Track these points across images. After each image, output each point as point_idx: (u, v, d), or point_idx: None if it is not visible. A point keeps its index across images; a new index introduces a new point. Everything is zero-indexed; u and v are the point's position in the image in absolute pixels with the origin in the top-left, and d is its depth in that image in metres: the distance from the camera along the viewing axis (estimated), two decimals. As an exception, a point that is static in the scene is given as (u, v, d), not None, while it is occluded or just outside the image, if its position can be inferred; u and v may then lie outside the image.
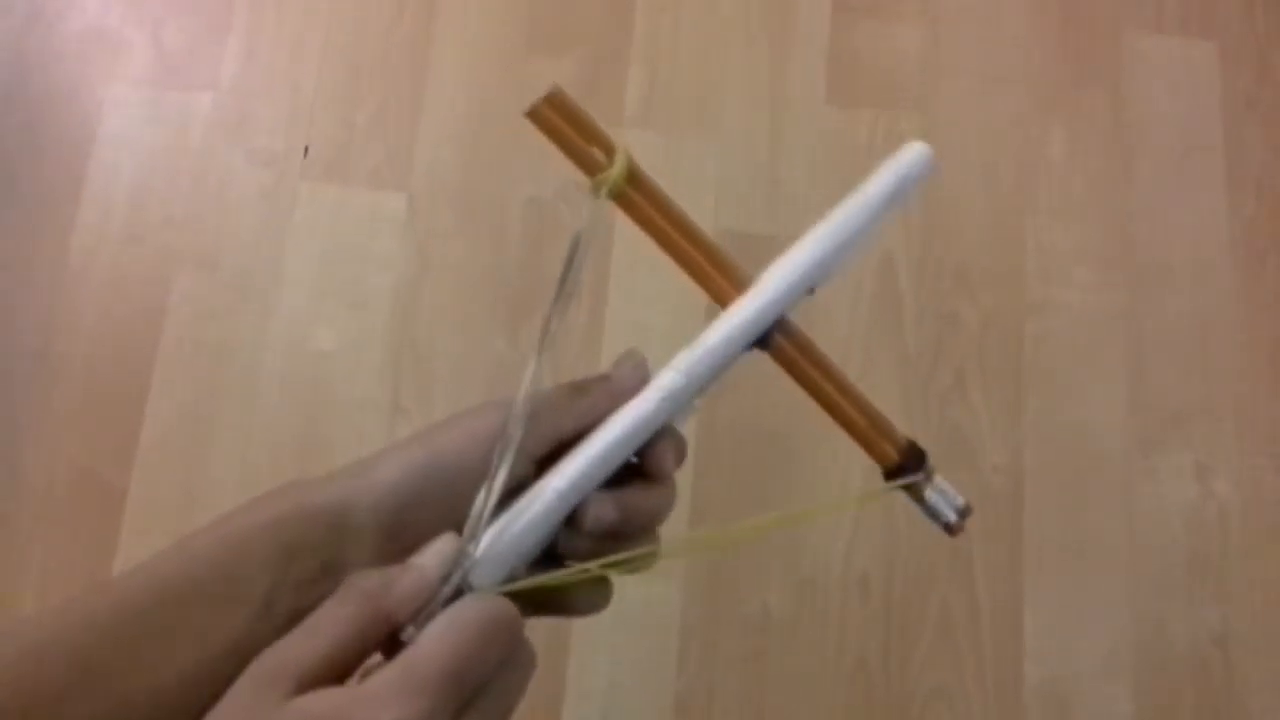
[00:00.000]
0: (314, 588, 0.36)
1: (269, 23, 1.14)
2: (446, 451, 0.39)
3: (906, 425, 1.06)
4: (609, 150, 0.42)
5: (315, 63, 1.13)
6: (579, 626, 0.96)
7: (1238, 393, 1.08)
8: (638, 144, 1.11)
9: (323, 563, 0.37)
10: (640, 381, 0.42)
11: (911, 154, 0.47)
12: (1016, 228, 1.12)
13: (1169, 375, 1.08)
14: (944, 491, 0.45)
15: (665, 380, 0.42)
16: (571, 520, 0.40)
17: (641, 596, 0.98)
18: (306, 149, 1.10)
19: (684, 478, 1.01)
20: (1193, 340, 1.09)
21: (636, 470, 0.43)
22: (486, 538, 0.37)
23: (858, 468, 1.02)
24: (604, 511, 0.40)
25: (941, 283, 1.09)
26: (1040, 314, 1.09)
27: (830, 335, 1.06)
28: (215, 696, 0.32)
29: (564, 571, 0.39)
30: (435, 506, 0.38)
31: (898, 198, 0.46)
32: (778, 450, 1.03)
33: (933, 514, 0.45)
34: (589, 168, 0.42)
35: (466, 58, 1.14)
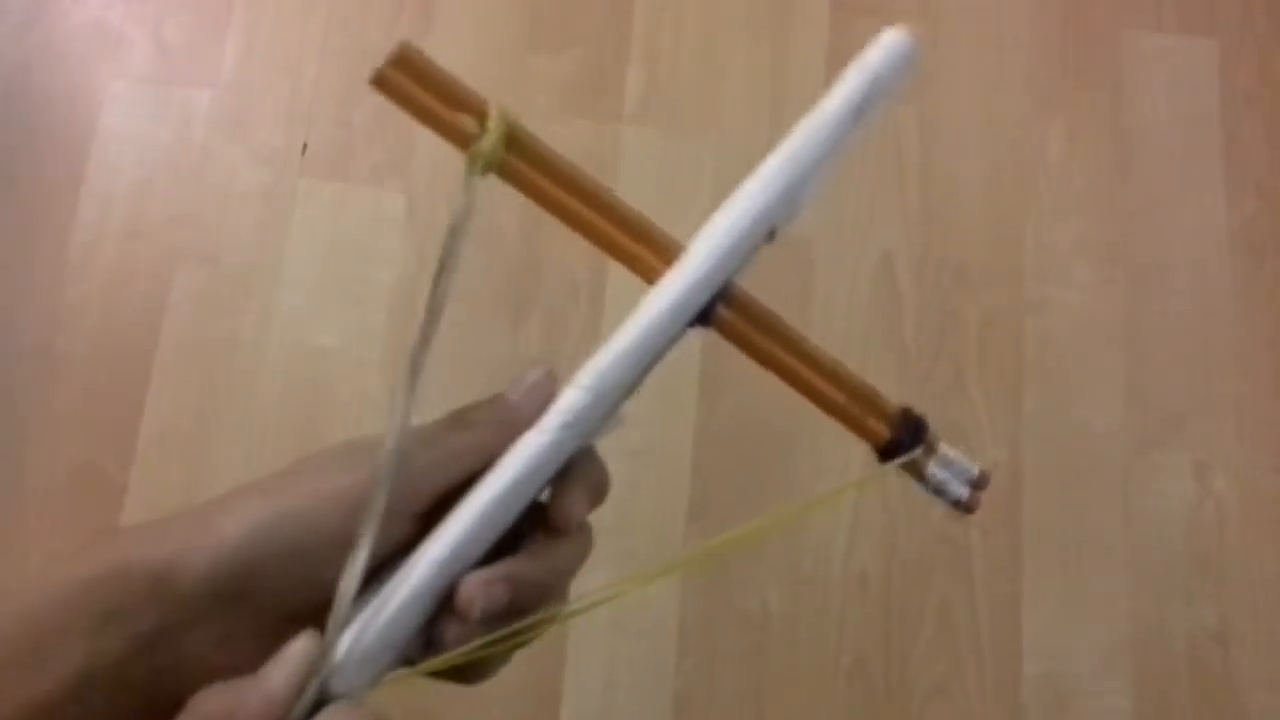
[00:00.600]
0: (137, 662, 0.31)
1: (268, 20, 1.14)
2: (299, 510, 0.32)
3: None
4: (480, 114, 0.33)
5: (315, 60, 1.13)
6: (576, 626, 0.96)
7: (1237, 391, 1.08)
8: (637, 142, 1.11)
9: (145, 632, 0.31)
10: (544, 405, 0.34)
11: (882, 49, 0.38)
12: (1016, 226, 1.12)
13: (1168, 373, 1.08)
14: (951, 463, 0.38)
15: (565, 403, 0.34)
16: (452, 605, 0.33)
17: (639, 595, 0.98)
18: (305, 146, 1.10)
19: (681, 472, 1.02)
20: (1192, 339, 1.09)
21: (544, 525, 0.35)
22: (350, 634, 0.32)
23: (859, 443, 1.02)
24: (491, 595, 0.33)
25: (941, 281, 1.09)
26: (1039, 312, 1.09)
27: (828, 333, 1.06)
28: None
29: (441, 658, 0.33)
30: (284, 570, 0.32)
31: (869, 102, 0.37)
32: (777, 438, 1.03)
33: (939, 491, 0.38)
34: (458, 139, 0.33)
35: (466, 55, 1.13)
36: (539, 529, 0.35)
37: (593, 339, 1.05)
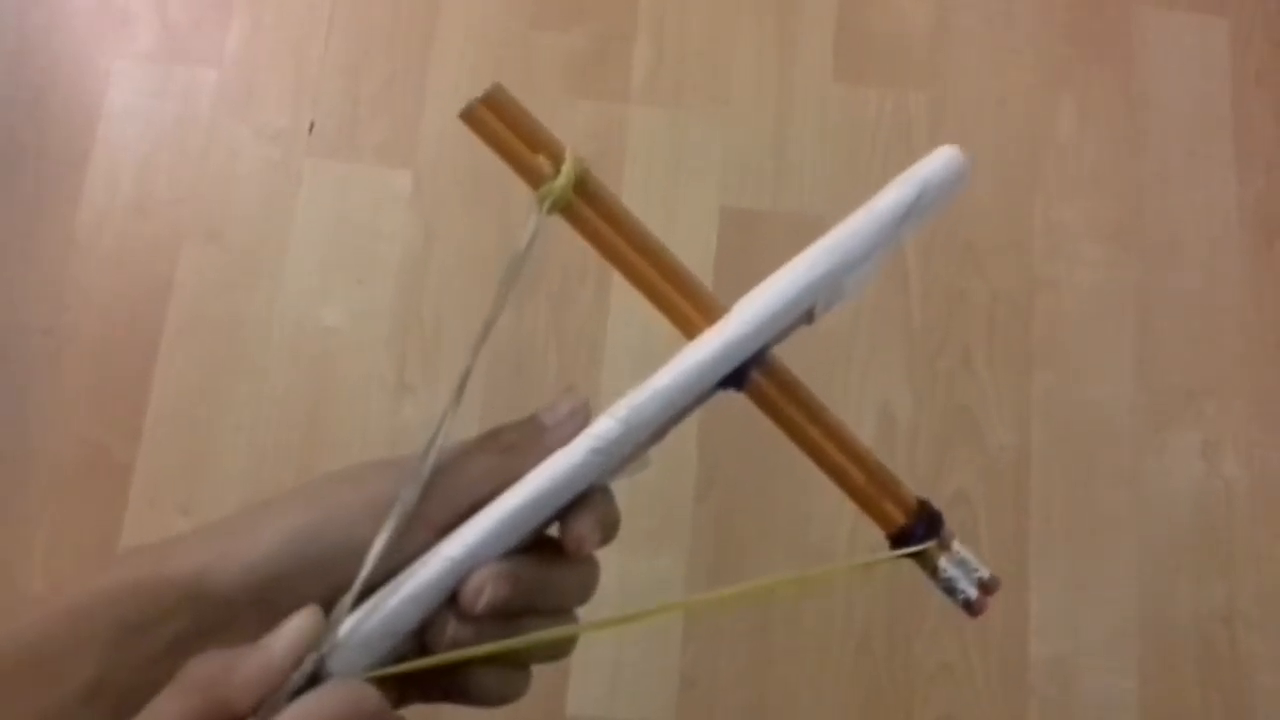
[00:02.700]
0: (161, 665, 0.30)
1: (274, -2, 1.14)
2: (336, 520, 0.33)
3: (913, 401, 1.06)
4: (556, 158, 0.35)
5: (320, 38, 1.12)
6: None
7: (1246, 370, 1.07)
8: (644, 120, 1.11)
9: (175, 636, 0.31)
10: (575, 434, 0.35)
11: (936, 160, 0.39)
12: (1025, 204, 1.11)
13: (1177, 352, 1.08)
14: (963, 562, 0.38)
15: (599, 428, 0.35)
16: (454, 606, 0.33)
17: (647, 573, 0.98)
18: (311, 125, 1.10)
19: (688, 457, 1.02)
20: (1201, 317, 1.09)
21: (554, 545, 0.36)
22: (354, 617, 0.32)
23: (867, 423, 1.02)
24: (497, 587, 0.33)
25: (949, 259, 1.09)
26: (1049, 290, 1.09)
27: (835, 312, 1.05)
28: None
29: (441, 655, 0.33)
30: (318, 578, 0.32)
31: (916, 210, 0.38)
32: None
33: (948, 589, 0.38)
34: (532, 178, 0.35)
35: (472, 33, 1.13)
36: (547, 549, 0.36)
37: (599, 318, 1.05)
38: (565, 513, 0.35)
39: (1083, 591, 1.01)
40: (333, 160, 1.09)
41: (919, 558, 0.38)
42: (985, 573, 0.38)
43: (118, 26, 1.12)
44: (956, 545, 0.38)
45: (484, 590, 0.33)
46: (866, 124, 1.12)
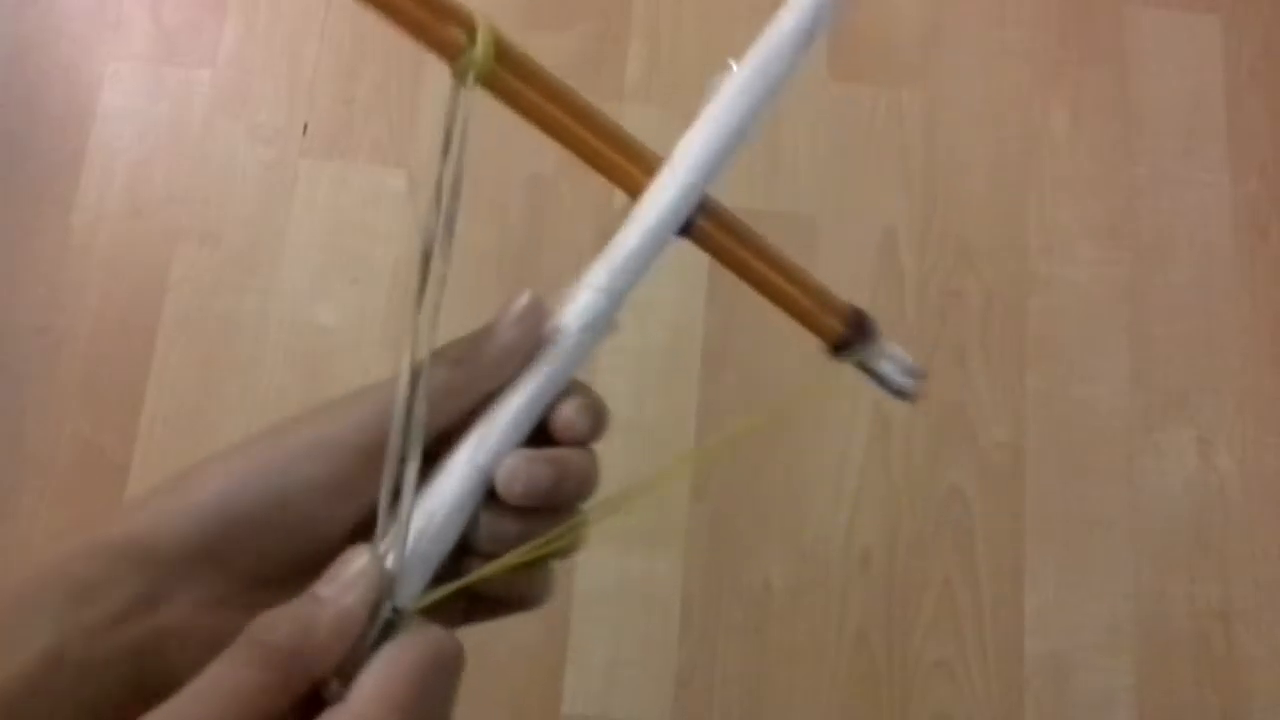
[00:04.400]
0: (121, 629, 0.29)
1: (268, -2, 1.14)
2: (274, 463, 0.32)
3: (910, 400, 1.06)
4: (468, 26, 0.33)
5: (315, 39, 1.13)
6: (580, 599, 0.96)
7: (1240, 368, 1.08)
8: (640, 119, 1.11)
9: (130, 598, 0.30)
10: (535, 333, 0.34)
11: None
12: (1019, 203, 1.11)
13: (1171, 351, 1.08)
14: (893, 357, 0.40)
15: (584, 304, 0.34)
16: (492, 495, 0.33)
17: (643, 569, 0.98)
18: (305, 126, 1.10)
19: (684, 439, 1.02)
20: (1195, 316, 1.09)
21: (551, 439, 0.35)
22: (394, 544, 0.30)
23: (862, 423, 1.02)
24: (538, 472, 0.33)
25: (944, 258, 1.09)
26: (1043, 289, 1.09)
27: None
28: None
29: (496, 563, 0.32)
30: (266, 526, 0.31)
31: (818, 24, 0.38)
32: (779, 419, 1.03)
33: (884, 383, 0.40)
34: (447, 51, 0.32)
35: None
36: (547, 444, 0.34)
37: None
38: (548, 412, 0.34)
39: (1078, 589, 1.02)
40: (327, 160, 1.09)
41: (859, 361, 0.40)
42: (911, 361, 0.40)
43: (112, 29, 1.12)
44: (886, 343, 0.40)
45: (519, 476, 0.32)
46: (861, 123, 1.13)
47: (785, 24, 0.38)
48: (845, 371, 0.40)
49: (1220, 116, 1.15)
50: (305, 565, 0.30)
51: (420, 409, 0.31)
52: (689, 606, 0.99)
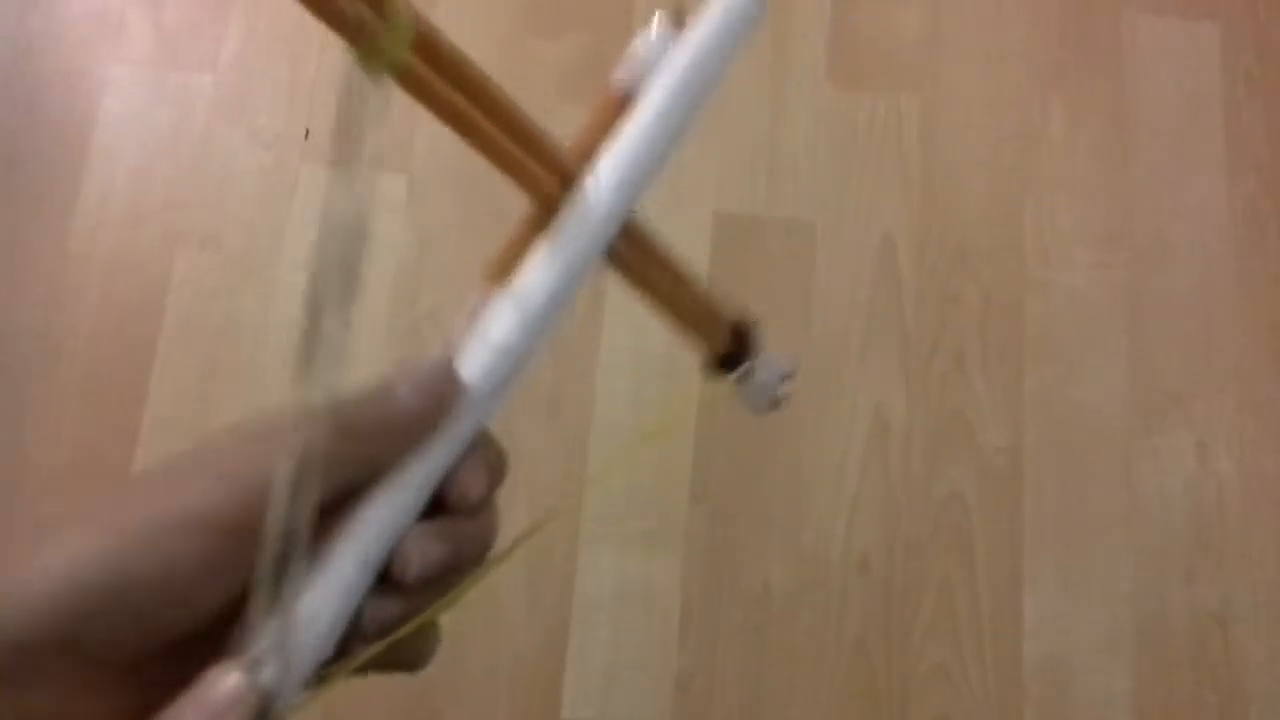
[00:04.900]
0: None
1: (269, 3, 1.14)
2: (129, 544, 0.27)
3: (907, 404, 1.07)
4: (381, 7, 0.26)
5: (316, 44, 1.13)
6: (579, 603, 0.96)
7: (1238, 371, 1.08)
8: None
9: None
10: (441, 406, 0.31)
11: None
12: (1017, 207, 1.12)
13: (1169, 354, 1.08)
14: (769, 364, 0.38)
15: (492, 366, 0.31)
16: (384, 576, 0.30)
17: (642, 574, 0.98)
18: (307, 132, 1.10)
19: (684, 459, 1.02)
20: (1193, 318, 1.09)
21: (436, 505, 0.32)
22: (284, 658, 0.27)
23: (861, 426, 1.02)
24: (432, 551, 0.30)
25: (942, 262, 1.09)
26: (1041, 293, 1.09)
27: (829, 314, 1.06)
28: None
29: (381, 644, 0.30)
30: (132, 616, 0.27)
31: (730, 34, 0.36)
32: (777, 427, 1.03)
33: (760, 393, 0.37)
34: (352, 33, 0.26)
35: (465, 40, 1.11)
36: (438, 513, 0.32)
37: (592, 330, 1.05)
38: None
39: (1077, 592, 1.02)
40: (328, 165, 1.09)
41: (742, 374, 0.38)
42: (788, 365, 0.38)
43: (113, 33, 1.12)
44: (764, 353, 0.38)
45: (412, 560, 0.30)
46: (859, 128, 1.13)
47: (711, 31, 0.36)
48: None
49: (1217, 121, 1.15)
50: (177, 648, 0.28)
51: (303, 507, 0.27)
52: (688, 609, 0.99)
